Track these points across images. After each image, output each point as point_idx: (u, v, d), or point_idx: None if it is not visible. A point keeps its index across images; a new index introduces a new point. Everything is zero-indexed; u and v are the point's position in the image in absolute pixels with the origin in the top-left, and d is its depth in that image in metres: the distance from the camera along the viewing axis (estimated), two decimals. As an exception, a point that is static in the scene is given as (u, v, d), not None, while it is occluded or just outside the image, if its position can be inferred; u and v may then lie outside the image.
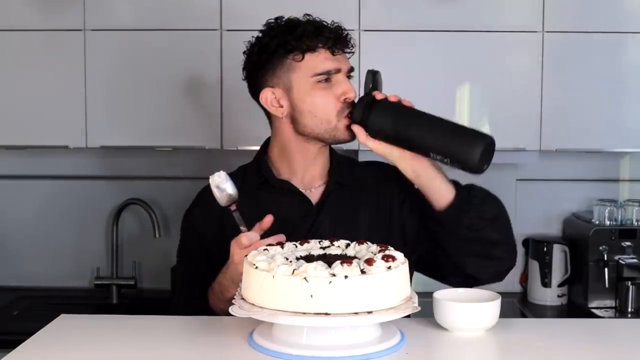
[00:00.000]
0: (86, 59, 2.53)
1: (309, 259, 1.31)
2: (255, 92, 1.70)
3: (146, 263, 2.87)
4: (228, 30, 2.51)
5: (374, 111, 1.55)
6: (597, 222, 2.64)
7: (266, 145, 1.77)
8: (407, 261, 1.31)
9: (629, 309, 2.58)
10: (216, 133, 2.52)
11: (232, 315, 1.25)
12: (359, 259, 1.26)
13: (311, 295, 1.19)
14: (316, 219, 1.66)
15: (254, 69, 1.68)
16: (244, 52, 1.71)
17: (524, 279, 2.83)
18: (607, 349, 1.34)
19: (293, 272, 1.22)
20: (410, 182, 1.66)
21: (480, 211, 1.59)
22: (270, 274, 1.23)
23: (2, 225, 2.86)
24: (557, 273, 2.71)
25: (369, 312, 1.21)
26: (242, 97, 2.53)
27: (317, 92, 1.62)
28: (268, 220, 1.49)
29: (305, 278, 1.20)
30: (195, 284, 1.68)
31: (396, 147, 1.56)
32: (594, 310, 2.60)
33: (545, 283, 2.72)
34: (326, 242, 1.40)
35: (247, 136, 2.52)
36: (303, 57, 1.61)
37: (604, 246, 2.59)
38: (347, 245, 1.39)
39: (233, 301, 1.29)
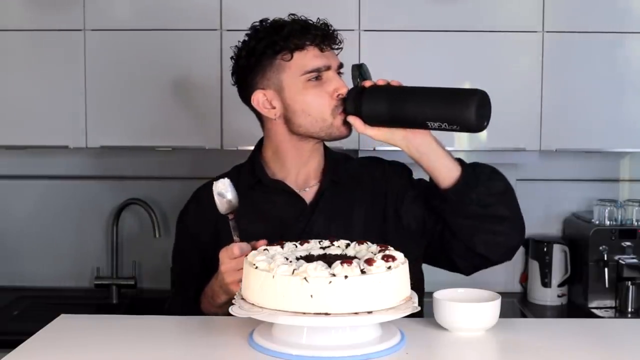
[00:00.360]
0: (86, 59, 2.53)
1: (309, 259, 1.31)
2: (246, 96, 1.70)
3: (146, 263, 2.87)
4: (228, 30, 2.51)
5: (366, 98, 1.55)
6: (597, 222, 2.64)
7: (260, 145, 1.77)
8: (407, 261, 1.31)
9: (629, 309, 2.58)
10: (216, 133, 2.52)
11: (230, 315, 1.25)
12: (359, 259, 1.27)
13: (311, 295, 1.19)
14: (310, 218, 1.66)
15: (243, 73, 1.68)
16: (232, 57, 1.71)
17: (524, 279, 2.83)
18: (607, 349, 1.34)
19: (293, 272, 1.22)
20: (409, 174, 1.69)
21: (487, 187, 1.58)
22: (270, 274, 1.23)
23: (2, 225, 2.86)
24: (557, 273, 2.72)
25: (369, 312, 1.21)
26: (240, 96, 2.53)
27: (309, 91, 1.61)
28: (261, 243, 1.46)
29: (305, 278, 1.20)
30: (190, 285, 1.68)
31: (396, 129, 1.55)
32: (594, 310, 2.60)
33: (545, 283, 2.72)
34: (326, 242, 1.40)
35: (247, 136, 2.51)
36: (292, 56, 1.61)
37: (604, 246, 2.59)
38: (347, 245, 1.39)
39: (233, 301, 1.29)
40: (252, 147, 2.53)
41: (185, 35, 2.52)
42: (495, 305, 1.36)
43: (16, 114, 2.56)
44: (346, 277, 1.20)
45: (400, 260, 1.29)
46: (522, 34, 2.52)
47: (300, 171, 1.70)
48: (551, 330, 1.46)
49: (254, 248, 1.45)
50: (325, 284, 1.20)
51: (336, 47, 1.65)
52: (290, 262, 1.26)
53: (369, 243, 1.37)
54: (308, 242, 1.40)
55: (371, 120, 1.56)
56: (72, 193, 2.87)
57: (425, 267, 1.76)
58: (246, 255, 1.38)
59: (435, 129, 1.53)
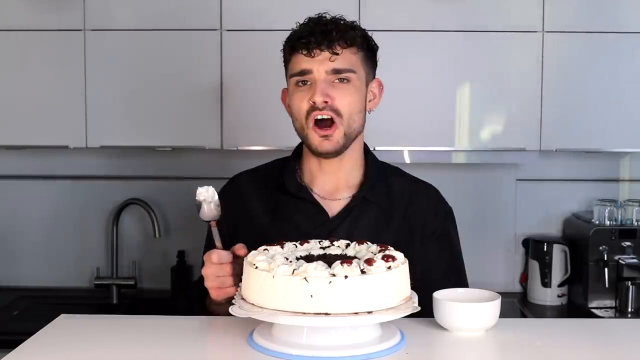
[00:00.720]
0: (86, 59, 2.53)
1: (309, 259, 1.31)
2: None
3: (146, 263, 2.87)
4: (228, 30, 2.51)
5: None
6: (597, 222, 2.64)
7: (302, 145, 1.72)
8: (407, 261, 1.31)
9: (629, 309, 2.58)
10: (216, 133, 2.52)
11: (229, 315, 1.25)
12: (359, 259, 1.26)
13: (311, 295, 1.19)
14: (331, 232, 1.59)
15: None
16: None
17: (524, 279, 2.83)
18: (607, 349, 1.34)
19: (293, 272, 1.22)
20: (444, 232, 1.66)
21: None
22: (270, 274, 1.23)
23: (2, 225, 2.86)
24: (557, 273, 2.72)
25: (369, 312, 1.21)
26: (242, 97, 2.55)
27: (294, 95, 1.60)
28: (241, 251, 1.46)
29: (305, 278, 1.20)
30: (196, 283, 1.68)
31: None
32: (594, 310, 2.60)
33: (545, 283, 2.72)
34: (326, 242, 1.40)
35: (247, 136, 2.53)
36: (290, 58, 1.61)
37: (604, 246, 2.59)
38: (347, 246, 1.39)
39: (233, 301, 1.29)
40: (252, 147, 2.56)
41: (185, 35, 2.52)
42: (495, 305, 1.36)
43: (16, 114, 2.56)
44: (346, 277, 1.20)
45: (400, 260, 1.29)
46: (522, 34, 2.52)
47: (326, 180, 1.66)
48: (551, 330, 1.46)
49: (234, 254, 1.45)
50: (325, 284, 1.19)
51: (332, 51, 1.56)
52: (290, 262, 1.26)
53: (368, 243, 1.37)
54: (308, 242, 1.40)
55: None
56: (72, 193, 2.87)
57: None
58: (228, 263, 1.42)
59: None
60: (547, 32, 2.50)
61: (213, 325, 1.46)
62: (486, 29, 2.51)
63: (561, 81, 2.53)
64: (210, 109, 2.52)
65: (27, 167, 2.87)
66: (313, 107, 1.56)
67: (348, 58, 1.58)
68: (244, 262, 1.32)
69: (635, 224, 2.63)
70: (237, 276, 1.46)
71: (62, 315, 1.48)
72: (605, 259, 2.58)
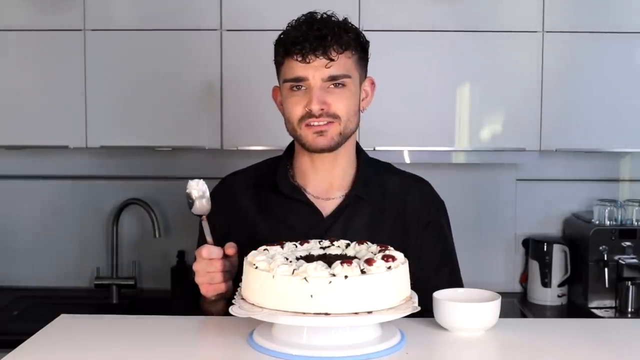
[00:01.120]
0: (86, 59, 2.53)
1: (309, 259, 1.31)
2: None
3: (146, 263, 2.87)
4: (228, 30, 2.51)
5: None
6: (597, 222, 2.64)
7: (293, 145, 1.72)
8: (407, 261, 1.31)
9: (629, 309, 2.58)
10: (216, 133, 2.52)
11: (222, 315, 1.25)
12: (359, 259, 1.26)
13: (311, 295, 1.19)
14: (326, 231, 1.59)
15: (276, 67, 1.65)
16: None
17: (524, 279, 2.83)
18: (607, 349, 1.34)
19: (293, 272, 1.22)
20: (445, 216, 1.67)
21: None
22: (270, 274, 1.23)
23: (2, 225, 2.86)
24: (557, 273, 2.71)
25: (369, 312, 1.21)
26: (242, 97, 2.55)
27: (288, 99, 1.59)
28: (230, 250, 1.47)
29: (305, 278, 1.20)
30: (192, 282, 1.67)
31: None
32: (594, 310, 2.60)
33: (545, 283, 2.72)
34: (326, 242, 1.40)
35: (247, 136, 2.53)
36: (283, 61, 1.59)
37: (604, 246, 2.59)
38: (347, 245, 1.39)
39: (233, 301, 1.29)
40: (252, 147, 2.56)
41: (185, 35, 2.52)
42: (495, 305, 1.36)
43: (16, 114, 2.56)
44: (346, 277, 1.20)
45: (400, 260, 1.29)
46: (522, 34, 2.52)
47: (319, 179, 1.66)
48: (551, 330, 1.46)
49: (225, 253, 1.45)
50: (325, 284, 1.19)
51: (328, 57, 1.54)
52: (290, 262, 1.26)
53: (368, 243, 1.37)
54: (308, 242, 1.40)
55: None
56: (72, 193, 2.87)
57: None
58: (218, 259, 1.42)
59: None
60: (547, 32, 2.50)
61: (213, 325, 1.46)
62: (486, 29, 2.51)
63: (561, 81, 2.53)
64: (210, 109, 2.52)
65: (27, 167, 2.87)
66: (309, 114, 1.56)
67: (343, 63, 1.57)
68: (244, 262, 1.32)
69: (635, 224, 2.63)
70: (228, 273, 1.46)
71: (62, 315, 1.48)
72: (605, 259, 2.58)
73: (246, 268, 1.30)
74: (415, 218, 1.67)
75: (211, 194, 1.61)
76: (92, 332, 1.41)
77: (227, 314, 1.28)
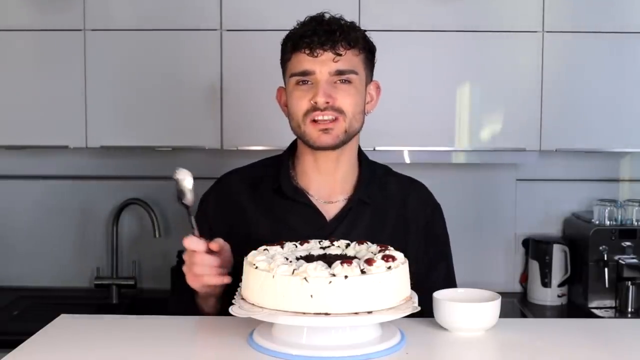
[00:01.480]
0: (86, 59, 2.53)
1: (309, 259, 1.31)
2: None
3: (146, 263, 2.87)
4: (228, 30, 2.51)
5: None
6: (597, 222, 2.64)
7: (294, 145, 1.71)
8: (407, 261, 1.31)
9: (629, 309, 2.58)
10: (216, 133, 2.52)
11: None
12: (359, 259, 1.26)
13: (311, 295, 1.19)
14: (329, 235, 1.57)
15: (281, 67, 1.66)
16: None
17: (524, 279, 2.83)
18: (607, 349, 1.34)
19: (293, 272, 1.22)
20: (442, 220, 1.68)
21: None
22: (270, 274, 1.23)
23: (2, 225, 2.86)
24: (557, 273, 2.71)
25: (369, 312, 1.21)
26: (242, 97, 2.55)
27: (294, 93, 1.59)
28: (214, 245, 1.46)
29: (305, 278, 1.20)
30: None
31: None
32: (594, 310, 2.60)
33: (545, 283, 2.72)
34: (326, 242, 1.40)
35: (247, 136, 2.53)
36: (290, 57, 1.59)
37: (604, 246, 2.59)
38: (347, 245, 1.39)
39: (233, 301, 1.29)
40: (252, 147, 2.56)
41: (185, 35, 2.52)
42: (495, 305, 1.36)
43: (16, 114, 2.56)
44: (346, 277, 1.20)
45: (400, 260, 1.29)
46: (522, 34, 2.52)
47: (322, 181, 1.65)
48: (551, 330, 1.46)
49: (208, 249, 1.44)
50: (325, 284, 1.19)
51: (335, 52, 1.55)
52: (290, 262, 1.26)
53: (368, 243, 1.37)
54: (308, 242, 1.40)
55: None
56: (72, 193, 2.87)
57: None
58: (202, 251, 1.41)
59: None
60: (547, 32, 2.50)
61: (213, 325, 1.46)
62: (486, 29, 2.51)
63: (561, 81, 2.53)
64: (210, 109, 2.52)
65: (27, 167, 2.87)
66: (314, 108, 1.55)
67: (350, 59, 1.58)
68: (244, 262, 1.32)
69: (635, 224, 2.63)
70: (215, 269, 1.45)
71: (62, 315, 1.48)
72: (605, 259, 2.58)
73: (246, 268, 1.30)
74: (414, 219, 1.68)
75: (208, 194, 1.62)
76: (92, 332, 1.41)
77: (221, 313, 1.27)
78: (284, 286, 1.21)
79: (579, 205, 2.85)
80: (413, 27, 2.51)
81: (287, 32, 1.63)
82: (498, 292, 1.41)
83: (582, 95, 2.53)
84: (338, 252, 1.37)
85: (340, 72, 1.56)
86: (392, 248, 1.34)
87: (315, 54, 1.55)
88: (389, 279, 1.23)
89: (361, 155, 1.71)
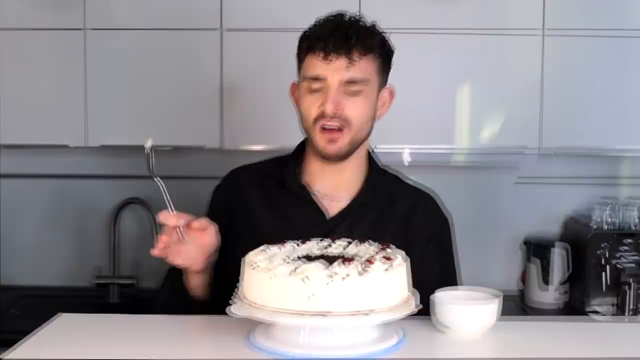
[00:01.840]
0: (86, 59, 2.53)
1: (309, 258, 1.31)
2: None
3: (146, 262, 2.87)
4: (228, 29, 2.51)
5: None
6: (597, 223, 2.63)
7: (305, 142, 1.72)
8: (407, 261, 1.31)
9: (629, 310, 2.57)
10: (216, 133, 2.52)
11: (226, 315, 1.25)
12: (359, 259, 1.26)
13: (311, 295, 1.19)
14: (328, 233, 1.58)
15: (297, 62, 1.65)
16: None
17: (524, 279, 2.83)
18: (607, 350, 1.34)
19: (292, 272, 1.22)
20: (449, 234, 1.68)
21: None
22: (269, 274, 1.23)
23: (2, 224, 2.86)
24: (557, 273, 2.71)
25: (369, 312, 1.21)
26: (242, 96, 2.55)
27: (306, 97, 1.59)
28: (197, 224, 1.48)
29: (304, 278, 1.20)
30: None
31: None
32: (594, 311, 2.59)
33: (545, 283, 2.71)
34: (326, 242, 1.40)
35: (247, 136, 2.53)
36: (305, 57, 1.59)
37: (603, 247, 2.58)
38: (347, 245, 1.39)
39: (231, 301, 1.28)
40: (252, 147, 2.56)
41: (186, 35, 2.52)
42: (495, 305, 1.36)
43: (17, 113, 2.56)
44: (346, 276, 1.20)
45: (400, 260, 1.29)
46: (522, 34, 2.51)
47: (326, 180, 1.66)
48: (551, 330, 1.46)
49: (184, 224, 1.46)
50: (324, 284, 1.19)
51: (351, 58, 1.54)
52: (290, 262, 1.26)
53: (369, 242, 1.37)
54: (308, 242, 1.40)
55: None
56: (72, 192, 2.87)
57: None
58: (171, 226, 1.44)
59: None
60: (548, 32, 2.50)
61: (212, 325, 1.46)
62: (486, 29, 2.51)
63: (561, 81, 2.53)
64: (211, 108, 2.52)
65: (27, 166, 2.87)
66: (323, 114, 1.56)
67: (364, 67, 1.57)
68: (242, 262, 1.31)
69: (635, 224, 2.63)
70: (193, 246, 1.47)
71: (61, 314, 1.48)
72: (605, 259, 2.58)
73: (245, 268, 1.29)
74: (419, 231, 1.67)
75: (219, 186, 1.66)
76: (91, 331, 1.41)
77: (214, 308, 1.31)
78: (284, 286, 1.21)
79: (579, 206, 2.85)
80: (413, 27, 2.50)
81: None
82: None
83: (582, 96, 2.53)
84: (338, 251, 1.37)
85: (352, 81, 1.55)
86: (393, 247, 1.34)
87: (329, 59, 1.54)
88: (388, 278, 1.23)
89: (371, 158, 1.72)
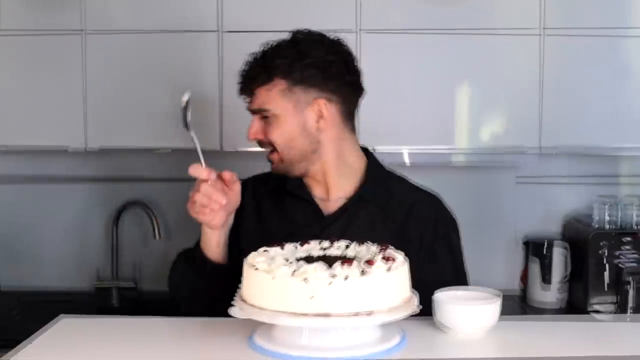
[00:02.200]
0: (85, 61, 2.53)
1: (309, 260, 1.31)
2: None
3: (146, 265, 2.87)
4: (227, 31, 2.51)
5: None
6: (597, 222, 2.63)
7: None
8: (407, 261, 1.31)
9: (629, 309, 2.57)
10: (216, 134, 2.52)
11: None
12: (360, 260, 1.26)
13: (311, 297, 1.19)
14: (324, 229, 1.64)
15: None
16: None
17: (524, 278, 2.83)
18: (607, 349, 1.34)
19: (293, 273, 1.22)
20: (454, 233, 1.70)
21: None
22: (270, 275, 1.23)
23: (2, 227, 2.86)
24: (557, 273, 2.71)
25: (369, 313, 1.21)
26: (241, 98, 2.54)
27: None
28: (227, 175, 1.61)
29: (305, 279, 1.20)
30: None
31: None
32: (594, 310, 2.59)
33: (546, 283, 2.71)
34: (326, 243, 1.40)
35: (246, 138, 2.52)
36: None
37: (604, 246, 2.58)
38: (348, 246, 1.39)
39: (233, 302, 1.29)
40: (251, 149, 2.54)
41: (185, 37, 2.52)
42: (495, 306, 1.36)
43: (16, 116, 2.56)
44: (346, 278, 1.20)
45: (401, 261, 1.29)
46: (521, 34, 2.51)
47: (317, 185, 1.71)
48: (552, 330, 1.46)
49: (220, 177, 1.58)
50: (325, 285, 1.19)
51: (249, 93, 1.68)
52: (291, 263, 1.26)
53: (369, 243, 1.37)
54: (308, 243, 1.40)
55: None
56: (72, 195, 2.87)
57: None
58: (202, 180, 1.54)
59: None
60: (547, 32, 2.50)
61: (213, 326, 1.46)
62: (486, 29, 2.51)
63: (561, 81, 2.53)
64: (210, 110, 2.52)
65: (26, 169, 2.86)
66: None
67: (262, 97, 1.64)
68: (244, 264, 1.31)
69: (636, 224, 2.63)
70: (211, 200, 1.56)
71: (61, 316, 1.48)
72: (606, 259, 2.58)
73: (246, 269, 1.30)
74: (419, 233, 1.67)
75: (248, 180, 1.78)
76: (91, 334, 1.41)
77: (224, 282, 1.39)
78: (284, 287, 1.21)
79: (579, 206, 2.85)
80: (413, 27, 2.51)
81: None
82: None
83: (581, 95, 2.53)
84: (338, 252, 1.37)
85: (254, 112, 1.67)
86: (392, 247, 1.34)
87: (244, 97, 1.69)
88: (389, 279, 1.23)
89: (369, 158, 1.74)
